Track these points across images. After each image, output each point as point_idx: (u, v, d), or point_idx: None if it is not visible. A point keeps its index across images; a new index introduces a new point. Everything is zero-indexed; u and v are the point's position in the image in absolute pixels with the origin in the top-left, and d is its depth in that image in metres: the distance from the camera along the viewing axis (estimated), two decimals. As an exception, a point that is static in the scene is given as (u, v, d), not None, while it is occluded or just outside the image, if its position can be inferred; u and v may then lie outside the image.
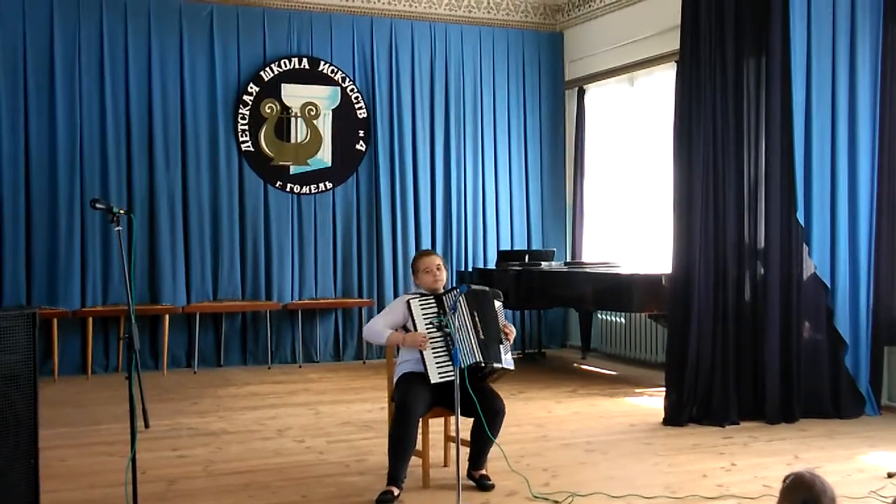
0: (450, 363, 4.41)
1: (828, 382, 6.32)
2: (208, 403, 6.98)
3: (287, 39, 9.15)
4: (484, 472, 4.64)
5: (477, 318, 4.54)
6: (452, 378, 4.18)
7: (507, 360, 4.62)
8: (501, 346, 4.60)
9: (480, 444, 4.59)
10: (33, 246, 8.28)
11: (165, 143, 8.70)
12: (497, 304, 4.72)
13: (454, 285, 8.37)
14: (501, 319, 4.70)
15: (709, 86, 6.26)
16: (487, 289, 4.79)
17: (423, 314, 4.54)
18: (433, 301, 4.57)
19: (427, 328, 4.51)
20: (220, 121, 8.92)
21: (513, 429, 5.64)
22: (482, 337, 4.51)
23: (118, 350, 8.47)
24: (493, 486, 4.55)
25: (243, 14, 8.98)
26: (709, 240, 6.25)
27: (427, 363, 4.46)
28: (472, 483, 4.58)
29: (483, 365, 4.49)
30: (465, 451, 4.60)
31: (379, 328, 4.68)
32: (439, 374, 4.44)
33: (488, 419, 4.46)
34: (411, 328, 4.57)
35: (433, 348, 4.47)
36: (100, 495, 4.49)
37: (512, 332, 4.71)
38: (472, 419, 4.54)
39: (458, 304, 4.42)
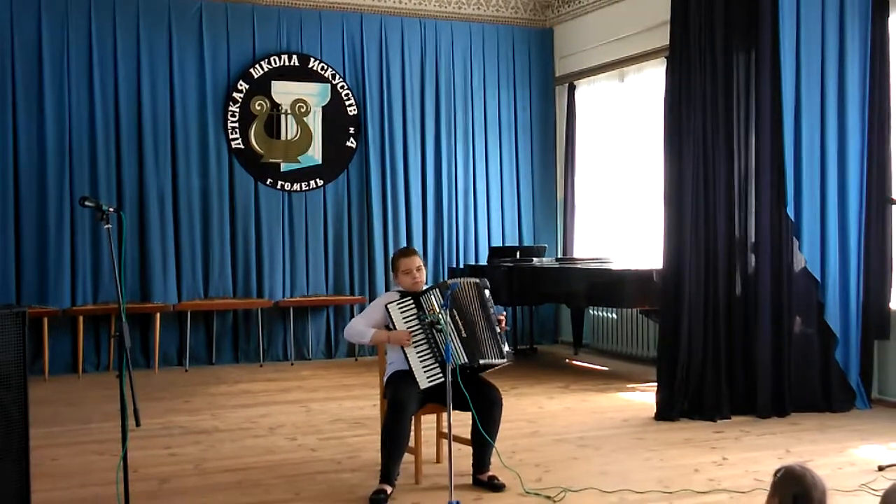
0: (436, 366, 4.39)
1: (818, 376, 6.35)
2: (200, 402, 6.97)
3: (277, 36, 9.12)
4: (490, 472, 4.55)
5: (457, 316, 4.48)
6: (441, 381, 4.14)
7: (506, 352, 4.56)
8: (497, 338, 4.55)
9: (482, 446, 4.52)
10: (23, 244, 8.24)
11: (155, 141, 8.67)
12: (486, 293, 4.61)
13: (443, 280, 8.35)
14: (492, 309, 4.60)
15: (698, 81, 6.27)
16: (477, 280, 4.67)
17: (403, 317, 4.50)
18: (411, 303, 4.52)
19: (408, 329, 4.47)
20: (210, 118, 8.88)
21: (505, 424, 5.54)
22: (465, 336, 4.46)
23: (109, 348, 8.44)
24: (503, 486, 4.46)
25: (232, 11, 8.94)
26: (699, 235, 6.26)
27: (413, 368, 4.41)
28: (468, 482, 4.53)
29: (470, 365, 4.44)
30: (465, 453, 4.60)
31: (361, 328, 4.63)
32: (427, 378, 4.40)
33: (485, 412, 4.42)
34: (393, 328, 4.53)
35: (417, 350, 4.44)
36: (91, 494, 4.48)
37: (503, 319, 4.62)
38: (468, 418, 4.49)
39: (448, 301, 4.35)
